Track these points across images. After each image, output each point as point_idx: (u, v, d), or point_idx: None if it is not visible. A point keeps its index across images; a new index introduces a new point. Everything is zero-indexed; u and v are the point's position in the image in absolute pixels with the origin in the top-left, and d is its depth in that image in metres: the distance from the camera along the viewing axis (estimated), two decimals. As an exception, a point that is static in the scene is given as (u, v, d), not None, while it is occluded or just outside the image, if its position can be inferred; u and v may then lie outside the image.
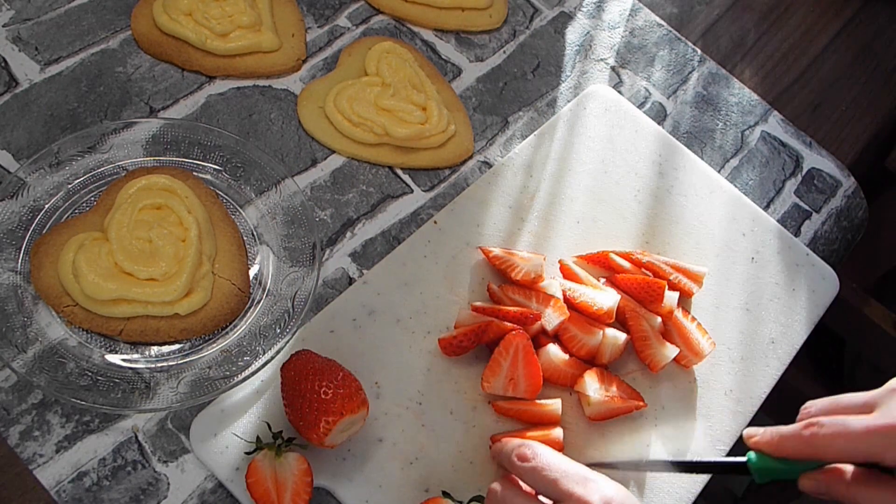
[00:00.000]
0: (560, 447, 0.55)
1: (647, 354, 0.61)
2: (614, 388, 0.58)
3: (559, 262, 0.65)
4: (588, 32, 0.81)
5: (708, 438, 0.61)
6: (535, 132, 0.72)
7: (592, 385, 0.57)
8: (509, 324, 0.57)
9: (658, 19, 0.84)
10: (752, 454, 0.51)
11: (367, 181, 0.68)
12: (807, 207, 0.76)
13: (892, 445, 0.45)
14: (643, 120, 0.75)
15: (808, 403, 0.52)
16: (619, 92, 0.77)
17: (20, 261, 0.57)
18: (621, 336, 0.60)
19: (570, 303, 0.61)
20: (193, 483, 0.53)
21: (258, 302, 0.59)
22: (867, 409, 0.48)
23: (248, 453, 0.52)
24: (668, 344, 0.61)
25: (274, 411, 0.55)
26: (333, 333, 0.59)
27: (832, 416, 0.48)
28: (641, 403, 0.59)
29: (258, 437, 0.52)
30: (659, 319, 0.62)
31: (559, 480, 0.48)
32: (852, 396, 0.50)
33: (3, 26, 0.68)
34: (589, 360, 0.60)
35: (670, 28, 0.84)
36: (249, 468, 0.51)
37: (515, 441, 0.52)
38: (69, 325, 0.56)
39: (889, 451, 0.45)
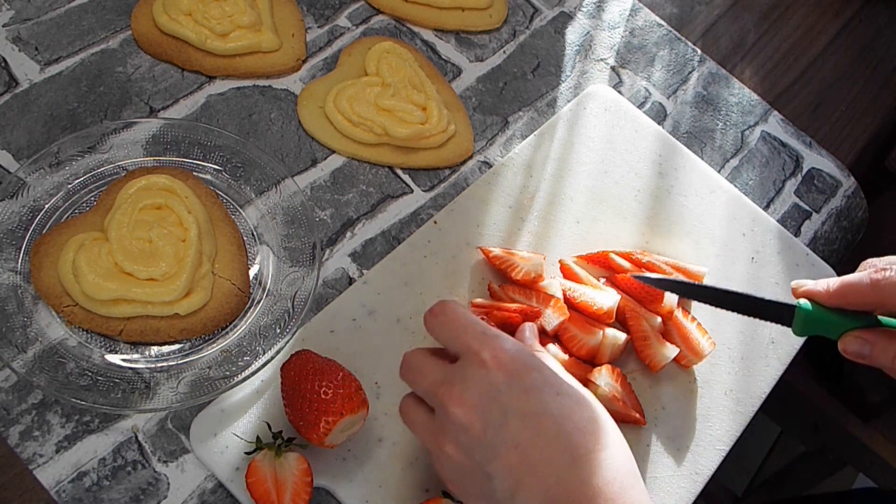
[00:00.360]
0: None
1: (647, 354, 0.61)
2: (622, 391, 0.58)
3: (559, 261, 0.65)
4: (588, 32, 0.81)
5: (708, 438, 0.61)
6: (535, 132, 0.72)
7: (605, 378, 0.58)
8: (510, 313, 0.57)
9: (658, 19, 0.84)
10: (803, 301, 0.48)
11: (367, 181, 0.68)
12: (807, 207, 0.76)
13: None
14: (643, 120, 0.75)
15: (870, 259, 0.49)
16: (619, 92, 0.77)
17: (20, 261, 0.57)
18: (621, 336, 0.60)
19: (570, 303, 0.61)
20: (193, 483, 0.53)
21: (258, 302, 0.59)
22: None
23: (248, 453, 0.52)
24: (668, 344, 0.61)
25: (274, 411, 0.55)
26: (333, 333, 0.59)
27: None
28: (641, 419, 0.59)
29: (258, 437, 0.52)
30: (659, 319, 0.62)
31: (460, 334, 0.47)
32: None
33: (3, 26, 0.68)
34: (589, 360, 0.60)
35: (670, 28, 0.84)
36: (249, 468, 0.51)
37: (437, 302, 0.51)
38: (69, 325, 0.56)
39: None
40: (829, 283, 0.48)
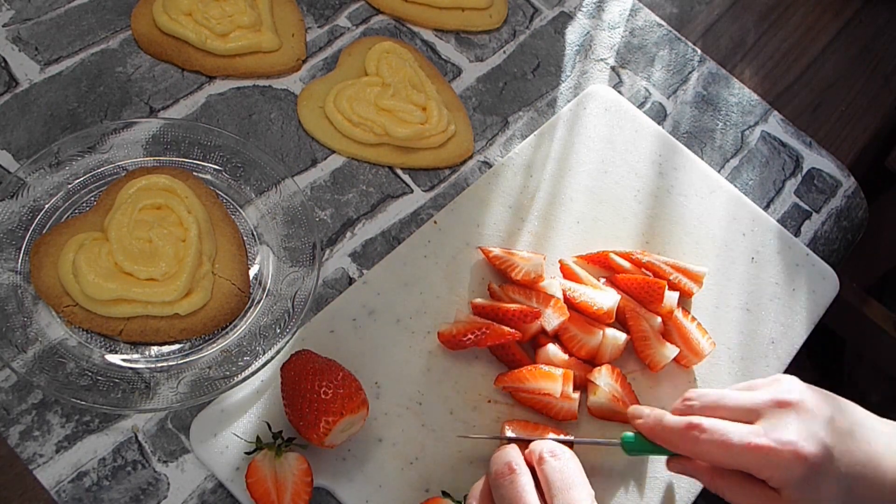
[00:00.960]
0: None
1: (647, 354, 0.61)
2: (622, 391, 0.58)
3: (559, 261, 0.65)
4: (588, 32, 0.81)
5: (708, 438, 0.61)
6: (535, 132, 0.72)
7: (605, 378, 0.58)
8: (507, 329, 0.57)
9: (658, 19, 0.84)
10: (628, 434, 0.53)
11: (367, 181, 0.68)
12: (807, 207, 0.76)
13: (766, 465, 0.47)
14: (643, 120, 0.75)
15: (693, 393, 0.53)
16: (619, 92, 0.77)
17: (20, 261, 0.57)
18: (621, 336, 0.60)
19: (570, 303, 0.61)
20: (193, 483, 0.53)
21: (258, 302, 0.59)
22: (751, 416, 0.50)
23: (248, 453, 0.52)
24: (668, 344, 0.61)
25: (274, 411, 0.55)
26: (333, 333, 0.59)
27: (714, 419, 0.50)
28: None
29: (258, 437, 0.52)
30: (659, 319, 0.62)
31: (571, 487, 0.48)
32: (737, 399, 0.51)
33: (3, 26, 0.68)
34: (589, 360, 0.60)
35: (670, 28, 0.84)
36: (249, 468, 0.51)
37: (547, 442, 0.52)
38: (69, 325, 0.56)
39: (763, 469, 0.48)
40: (655, 420, 0.52)
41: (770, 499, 0.48)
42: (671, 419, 0.51)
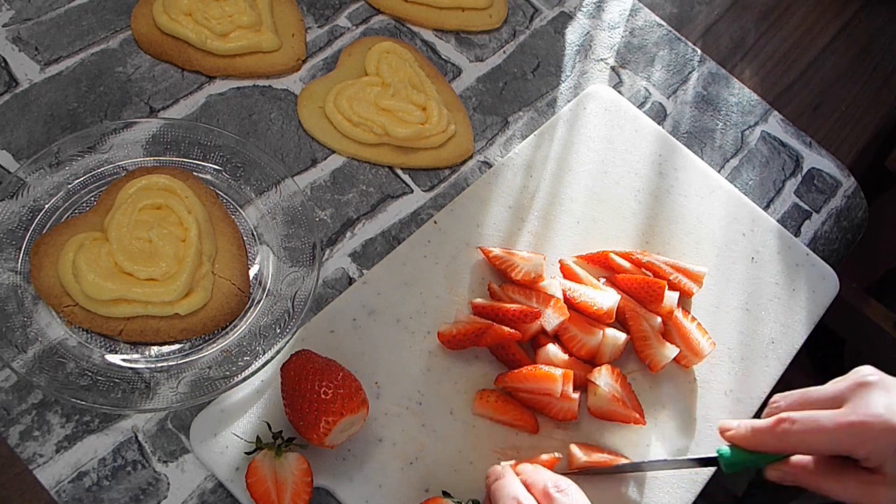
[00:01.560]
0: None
1: (647, 354, 0.61)
2: (622, 391, 0.58)
3: (559, 261, 0.65)
4: (588, 32, 0.81)
5: (708, 438, 0.61)
6: (535, 132, 0.72)
7: (605, 378, 0.58)
8: (507, 329, 0.57)
9: (658, 19, 0.84)
10: (723, 448, 0.53)
11: (367, 181, 0.68)
12: (807, 207, 0.76)
13: (862, 441, 0.47)
14: (643, 120, 0.75)
15: (777, 397, 0.54)
16: (619, 92, 0.77)
17: (20, 261, 0.57)
18: (621, 336, 0.60)
19: (570, 303, 0.61)
20: (193, 483, 0.53)
21: (258, 302, 0.59)
22: (837, 402, 0.50)
23: (248, 453, 0.52)
24: (668, 344, 0.61)
25: (274, 411, 0.55)
26: (333, 333, 0.59)
27: (802, 411, 0.50)
28: (641, 419, 0.59)
29: (258, 437, 0.52)
30: (659, 319, 0.62)
31: None
32: (820, 390, 0.52)
33: (3, 26, 0.68)
34: (589, 360, 0.60)
35: (670, 28, 0.84)
36: (249, 468, 0.51)
37: (548, 473, 0.51)
38: (69, 325, 0.56)
39: (859, 446, 0.48)
40: (745, 428, 0.52)
41: (873, 482, 0.48)
42: (760, 421, 0.52)
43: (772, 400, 0.54)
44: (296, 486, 0.51)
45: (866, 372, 0.51)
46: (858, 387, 0.50)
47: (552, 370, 0.57)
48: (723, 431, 0.54)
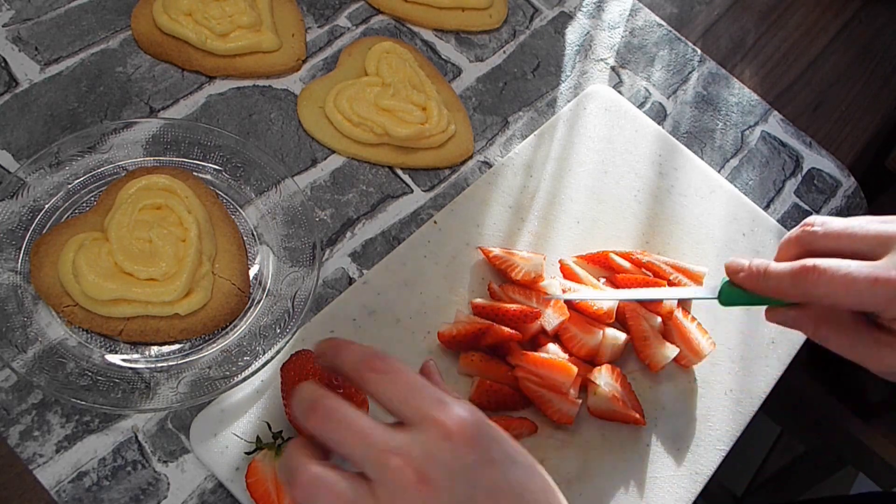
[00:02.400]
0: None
1: (647, 354, 0.61)
2: (622, 391, 0.58)
3: (559, 261, 0.65)
4: (588, 32, 0.81)
5: (708, 438, 0.61)
6: (535, 132, 0.72)
7: (605, 378, 0.58)
8: (507, 329, 0.57)
9: (658, 19, 0.84)
10: (726, 288, 0.48)
11: (367, 181, 0.68)
12: (807, 207, 0.76)
13: (894, 300, 0.42)
14: (643, 120, 0.75)
15: (813, 219, 0.48)
16: (619, 92, 0.77)
17: (20, 261, 0.57)
18: (621, 336, 0.60)
19: (570, 303, 0.61)
20: (193, 483, 0.53)
21: (258, 302, 0.59)
22: (879, 247, 0.44)
23: (248, 453, 0.52)
24: (667, 344, 0.61)
25: (274, 411, 0.55)
26: (333, 333, 0.59)
27: (832, 259, 0.44)
28: (641, 419, 0.59)
29: (258, 437, 0.52)
30: (659, 319, 0.62)
31: (412, 397, 0.39)
32: (867, 227, 0.45)
33: (3, 26, 0.68)
34: (589, 360, 0.60)
35: (670, 28, 0.84)
36: (249, 468, 0.51)
37: (362, 348, 0.41)
38: (69, 325, 0.56)
39: (891, 306, 0.42)
40: (760, 272, 0.47)
41: (884, 342, 0.44)
42: (778, 266, 0.46)
43: (807, 221, 0.48)
44: None
45: None
46: None
47: (570, 365, 0.56)
48: (733, 272, 0.48)
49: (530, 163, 0.70)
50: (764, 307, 0.49)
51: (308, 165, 0.67)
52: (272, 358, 0.56)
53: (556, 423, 0.57)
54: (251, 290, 0.60)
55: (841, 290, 0.43)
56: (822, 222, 0.47)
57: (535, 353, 0.58)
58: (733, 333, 0.66)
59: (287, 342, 0.57)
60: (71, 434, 0.53)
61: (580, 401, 0.57)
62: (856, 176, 0.80)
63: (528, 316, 0.58)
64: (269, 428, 0.53)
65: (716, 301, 0.63)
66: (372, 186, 0.67)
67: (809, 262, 0.44)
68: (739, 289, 0.47)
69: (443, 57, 0.76)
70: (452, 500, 0.37)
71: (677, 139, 0.76)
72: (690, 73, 0.82)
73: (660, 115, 0.78)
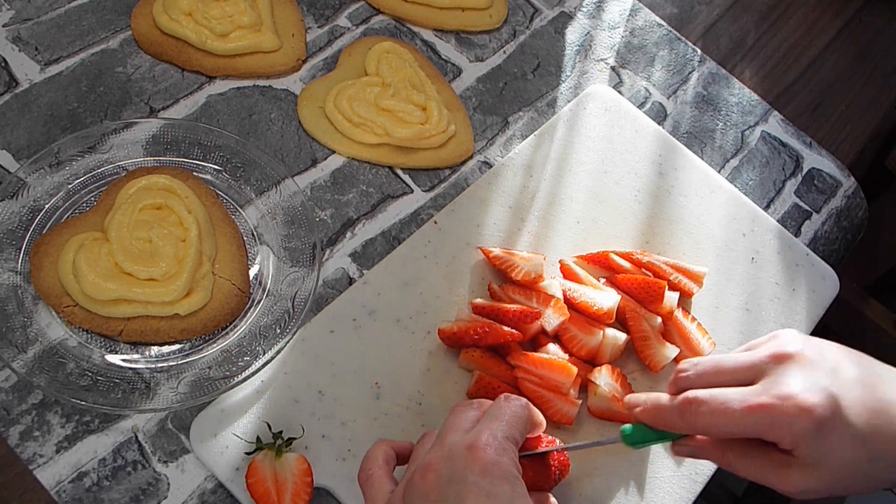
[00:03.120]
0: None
1: (647, 354, 0.61)
2: (622, 391, 0.58)
3: (559, 262, 0.65)
4: (588, 32, 0.81)
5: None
6: (535, 132, 0.72)
7: (605, 378, 0.58)
8: (508, 329, 0.57)
9: (658, 19, 0.84)
10: (626, 427, 0.50)
11: (367, 181, 0.68)
12: (807, 207, 0.76)
13: (771, 425, 0.43)
14: (643, 120, 0.75)
15: (685, 364, 0.49)
16: (619, 92, 0.77)
17: (20, 261, 0.57)
18: (621, 336, 0.60)
19: (570, 303, 0.61)
20: (193, 483, 0.53)
21: (258, 302, 0.59)
22: (751, 376, 0.46)
23: (248, 453, 0.52)
24: (668, 344, 0.61)
25: (274, 411, 0.55)
26: (333, 333, 0.59)
27: (711, 389, 0.46)
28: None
29: (258, 438, 0.52)
30: (659, 319, 0.62)
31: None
32: (734, 360, 0.47)
33: (3, 26, 0.68)
34: (589, 360, 0.60)
35: (670, 28, 0.84)
36: (249, 468, 0.51)
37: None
38: (69, 325, 0.56)
39: (769, 430, 0.44)
40: (652, 405, 0.48)
41: (784, 463, 0.44)
42: (666, 399, 0.48)
43: (679, 367, 0.49)
44: (296, 487, 0.51)
45: (786, 340, 0.47)
46: (775, 361, 0.46)
47: (570, 365, 0.56)
48: (631, 407, 0.49)
49: (530, 163, 0.70)
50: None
51: (308, 165, 0.67)
52: (272, 358, 0.56)
53: (557, 423, 0.57)
54: (251, 291, 0.60)
55: (721, 420, 0.44)
56: (694, 364, 0.48)
57: (535, 354, 0.58)
58: (733, 333, 0.66)
59: (287, 342, 0.57)
60: (71, 434, 0.53)
61: (580, 401, 0.57)
62: (856, 176, 0.80)
63: (528, 316, 0.58)
64: (269, 428, 0.53)
65: (715, 301, 0.63)
66: (372, 186, 0.67)
67: (690, 394, 0.46)
68: (641, 426, 0.49)
69: (443, 57, 0.76)
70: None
71: (677, 139, 0.76)
72: (690, 73, 0.82)
73: (660, 115, 0.78)
